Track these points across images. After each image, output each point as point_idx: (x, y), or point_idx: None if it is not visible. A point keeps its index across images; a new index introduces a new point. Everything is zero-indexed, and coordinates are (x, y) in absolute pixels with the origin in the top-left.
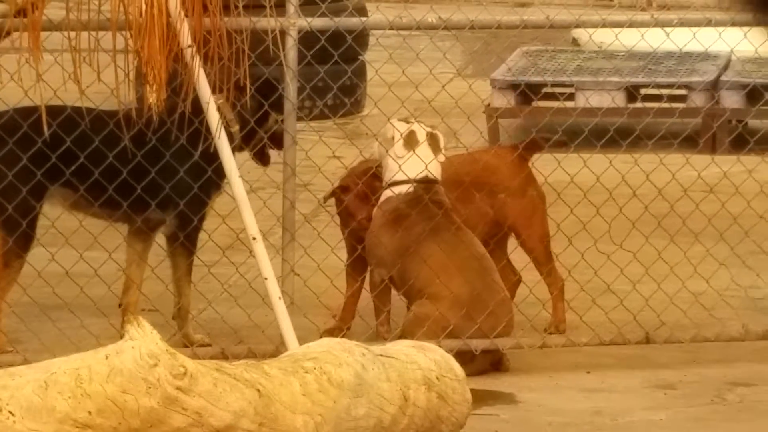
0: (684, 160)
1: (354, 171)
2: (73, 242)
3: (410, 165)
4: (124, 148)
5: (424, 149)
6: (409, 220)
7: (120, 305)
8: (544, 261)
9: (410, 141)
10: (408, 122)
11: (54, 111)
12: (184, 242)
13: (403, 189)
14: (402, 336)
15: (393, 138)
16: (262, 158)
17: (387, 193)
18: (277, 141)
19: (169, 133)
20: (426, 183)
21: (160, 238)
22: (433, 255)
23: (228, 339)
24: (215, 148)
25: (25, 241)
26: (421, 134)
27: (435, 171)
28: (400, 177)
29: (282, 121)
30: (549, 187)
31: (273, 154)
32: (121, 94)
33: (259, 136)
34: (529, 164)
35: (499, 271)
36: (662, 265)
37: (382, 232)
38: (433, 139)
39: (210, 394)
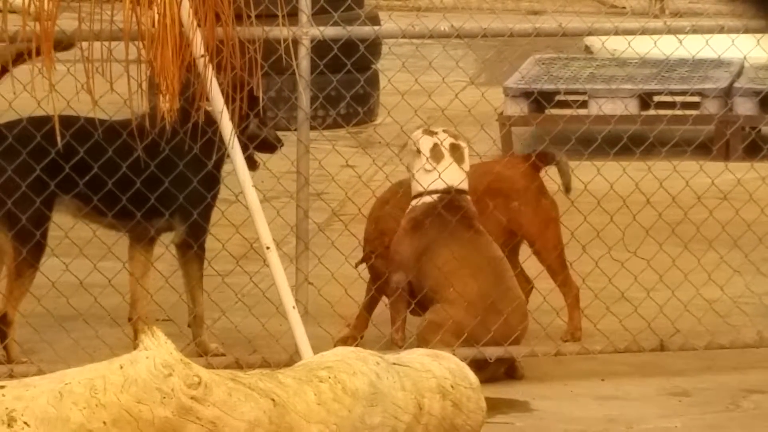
0: (697, 168)
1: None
2: (87, 252)
3: (435, 177)
4: (135, 158)
5: (448, 160)
6: (430, 226)
7: (130, 319)
8: (558, 270)
9: (435, 153)
10: (433, 132)
11: (65, 121)
12: (196, 249)
13: (428, 199)
14: (417, 343)
15: (418, 151)
16: (249, 164)
17: (413, 203)
18: (267, 146)
19: (181, 141)
20: (451, 193)
21: (171, 248)
22: (452, 260)
23: (242, 348)
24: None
25: (37, 250)
26: (446, 145)
27: (460, 181)
28: (426, 188)
29: (262, 125)
30: (563, 194)
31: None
32: (134, 105)
33: (244, 142)
34: (541, 173)
35: None
36: (676, 273)
37: (404, 238)
38: (457, 150)
39: (225, 403)
